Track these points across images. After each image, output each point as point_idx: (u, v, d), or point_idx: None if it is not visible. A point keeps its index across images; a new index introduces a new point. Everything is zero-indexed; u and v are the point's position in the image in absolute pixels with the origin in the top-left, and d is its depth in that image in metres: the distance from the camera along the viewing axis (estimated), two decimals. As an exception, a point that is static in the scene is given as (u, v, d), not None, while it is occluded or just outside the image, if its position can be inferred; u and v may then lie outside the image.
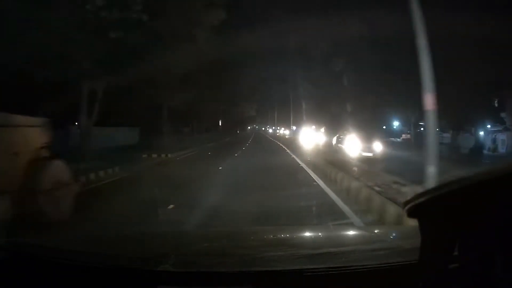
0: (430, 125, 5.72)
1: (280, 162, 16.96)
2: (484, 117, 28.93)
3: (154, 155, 18.30)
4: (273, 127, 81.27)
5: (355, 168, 11.22)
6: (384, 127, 42.22)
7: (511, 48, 17.46)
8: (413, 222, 1.18)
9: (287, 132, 54.15)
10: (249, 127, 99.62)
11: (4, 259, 1.45)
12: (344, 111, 30.69)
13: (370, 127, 26.31)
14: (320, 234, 2.45)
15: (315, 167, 13.28)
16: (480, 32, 17.00)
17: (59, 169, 6.16)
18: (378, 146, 19.08)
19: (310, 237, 2.38)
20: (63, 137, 15.34)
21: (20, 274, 1.42)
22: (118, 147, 20.66)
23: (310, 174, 12.14)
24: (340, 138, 23.68)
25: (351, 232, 2.82)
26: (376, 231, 2.62)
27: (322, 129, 37.08)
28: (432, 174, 5.39)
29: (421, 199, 0.99)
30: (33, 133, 5.95)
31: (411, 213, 1.07)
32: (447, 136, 31.58)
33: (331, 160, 13.57)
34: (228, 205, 6.44)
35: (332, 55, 30.23)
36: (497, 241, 0.92)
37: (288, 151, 24.54)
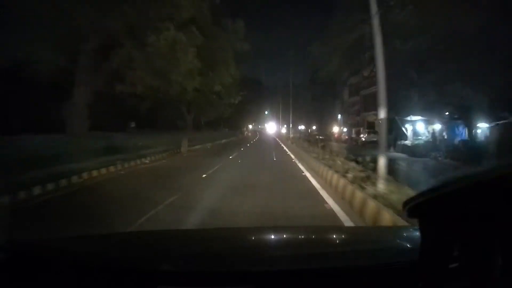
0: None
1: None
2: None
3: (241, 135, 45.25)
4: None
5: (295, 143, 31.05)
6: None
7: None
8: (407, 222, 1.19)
9: (283, 130, 72.36)
10: (250, 126, 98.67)
11: (4, 259, 1.45)
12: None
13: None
14: (320, 234, 2.45)
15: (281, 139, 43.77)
16: None
17: None
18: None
19: (310, 237, 2.37)
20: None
21: (21, 274, 1.42)
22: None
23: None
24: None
25: (351, 233, 2.81)
26: (376, 232, 2.62)
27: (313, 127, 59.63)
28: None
29: (421, 199, 0.99)
30: None
31: (411, 213, 1.06)
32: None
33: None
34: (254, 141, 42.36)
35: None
36: (497, 241, 0.92)
37: (277, 139, 50.50)
